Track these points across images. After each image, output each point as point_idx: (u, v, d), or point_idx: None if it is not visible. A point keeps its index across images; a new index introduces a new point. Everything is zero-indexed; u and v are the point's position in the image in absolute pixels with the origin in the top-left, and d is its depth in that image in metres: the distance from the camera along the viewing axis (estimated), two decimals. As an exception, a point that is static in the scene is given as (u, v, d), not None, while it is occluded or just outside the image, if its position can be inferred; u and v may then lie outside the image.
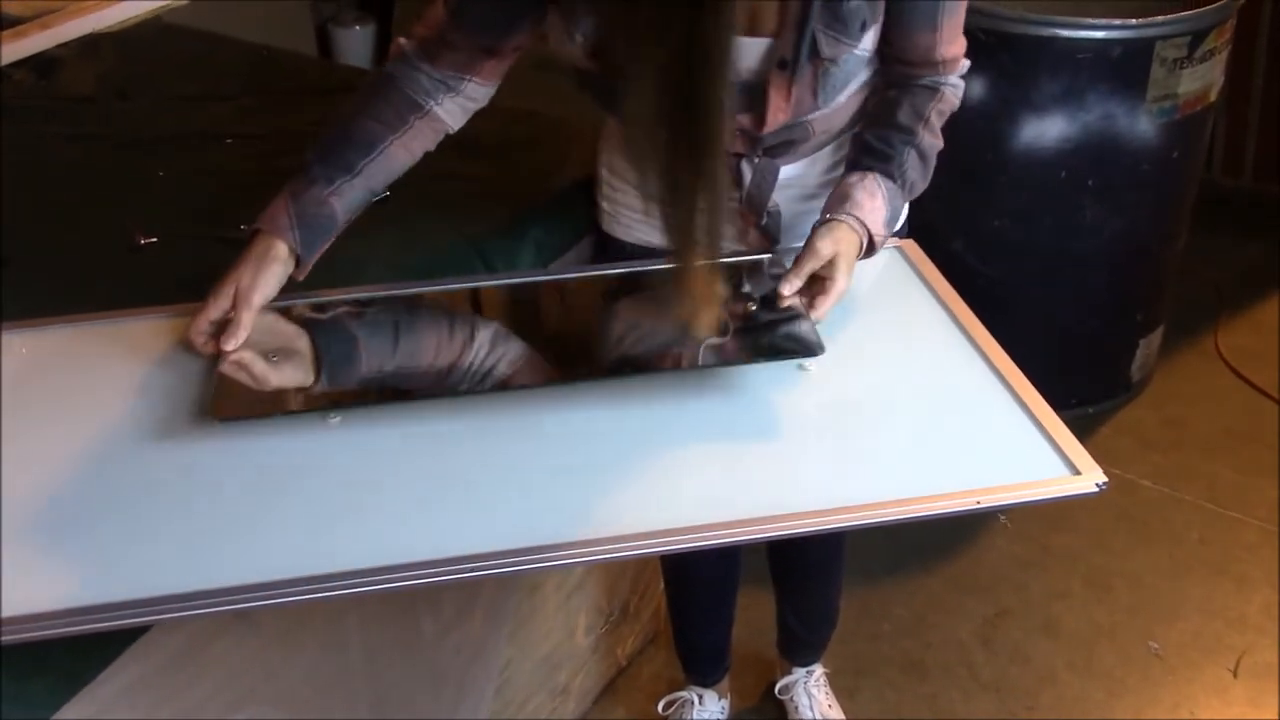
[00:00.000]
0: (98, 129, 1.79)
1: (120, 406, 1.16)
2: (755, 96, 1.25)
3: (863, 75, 1.30)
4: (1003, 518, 2.37)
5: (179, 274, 1.40)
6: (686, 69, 0.97)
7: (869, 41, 1.24)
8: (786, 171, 1.37)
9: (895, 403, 1.16)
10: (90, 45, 2.07)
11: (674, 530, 1.01)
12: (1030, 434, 1.13)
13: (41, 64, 1.99)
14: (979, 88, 2.28)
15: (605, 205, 1.47)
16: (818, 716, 1.93)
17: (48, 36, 2.03)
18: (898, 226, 1.30)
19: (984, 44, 2.22)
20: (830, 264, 1.22)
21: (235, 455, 1.09)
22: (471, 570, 0.98)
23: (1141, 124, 2.29)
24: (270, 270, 1.19)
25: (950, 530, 2.34)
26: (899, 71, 1.30)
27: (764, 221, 1.38)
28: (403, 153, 1.27)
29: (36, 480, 1.06)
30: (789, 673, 1.96)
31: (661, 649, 2.10)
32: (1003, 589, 2.23)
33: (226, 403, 1.12)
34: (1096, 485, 1.07)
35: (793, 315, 1.22)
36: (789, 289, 1.22)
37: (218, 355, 1.17)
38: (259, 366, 1.16)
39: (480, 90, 1.30)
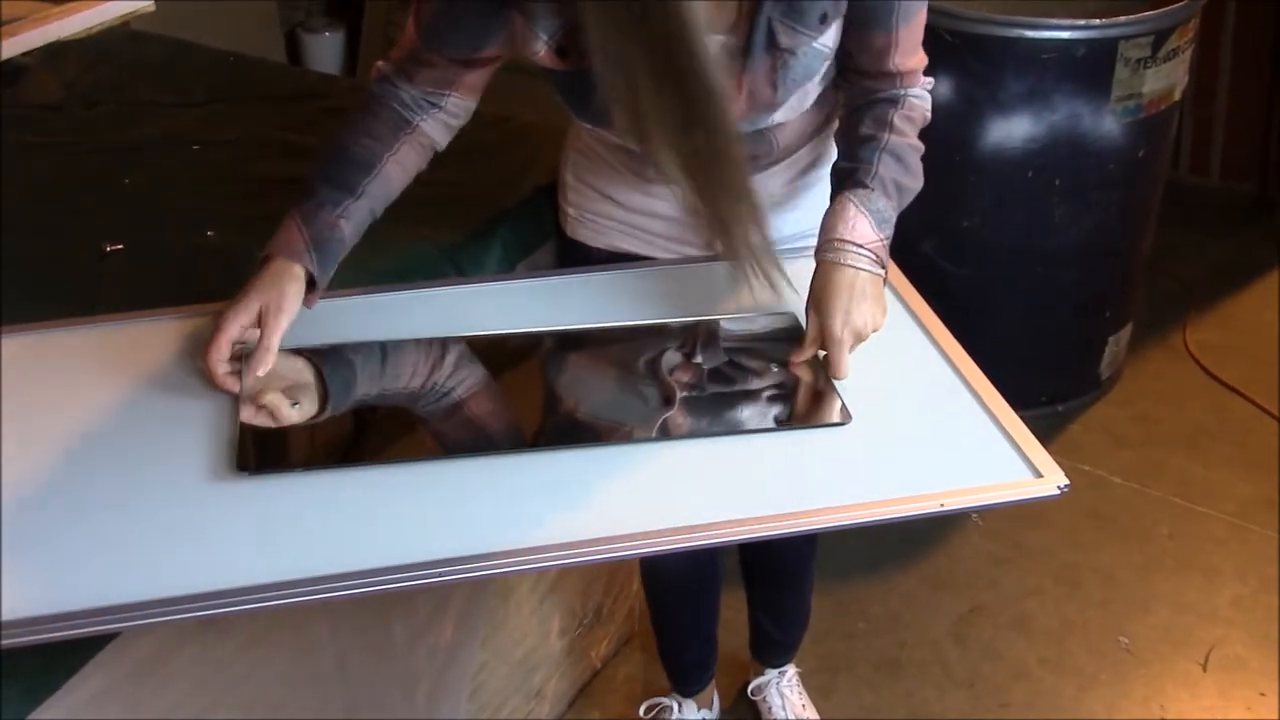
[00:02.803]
0: (64, 137, 1.79)
1: (86, 412, 1.15)
2: None
3: (823, 75, 1.27)
4: (975, 516, 2.38)
5: (146, 281, 1.40)
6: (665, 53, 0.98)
7: (831, 37, 1.22)
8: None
9: (861, 406, 1.17)
10: (56, 53, 2.05)
11: (643, 535, 1.02)
12: (994, 437, 1.14)
13: (7, 72, 1.98)
14: (946, 89, 2.30)
15: (570, 210, 1.47)
16: (791, 717, 1.93)
17: (13, 44, 2.02)
18: (890, 227, 1.25)
19: (949, 45, 2.24)
20: (823, 315, 1.19)
21: (200, 457, 1.09)
22: (442, 575, 0.98)
23: (1107, 123, 2.31)
24: (290, 292, 1.18)
25: (923, 529, 2.35)
26: (859, 87, 1.29)
27: None
28: (397, 170, 1.27)
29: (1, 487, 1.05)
30: (761, 674, 1.96)
31: (636, 651, 2.10)
32: (975, 586, 2.25)
33: (249, 452, 1.09)
34: (1058, 488, 1.08)
35: (815, 378, 1.21)
36: (798, 358, 1.22)
37: (226, 389, 1.15)
38: (285, 411, 1.15)
39: (461, 104, 1.30)
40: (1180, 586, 2.24)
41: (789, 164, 1.39)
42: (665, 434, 1.14)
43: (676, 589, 1.80)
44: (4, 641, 0.91)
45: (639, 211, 1.42)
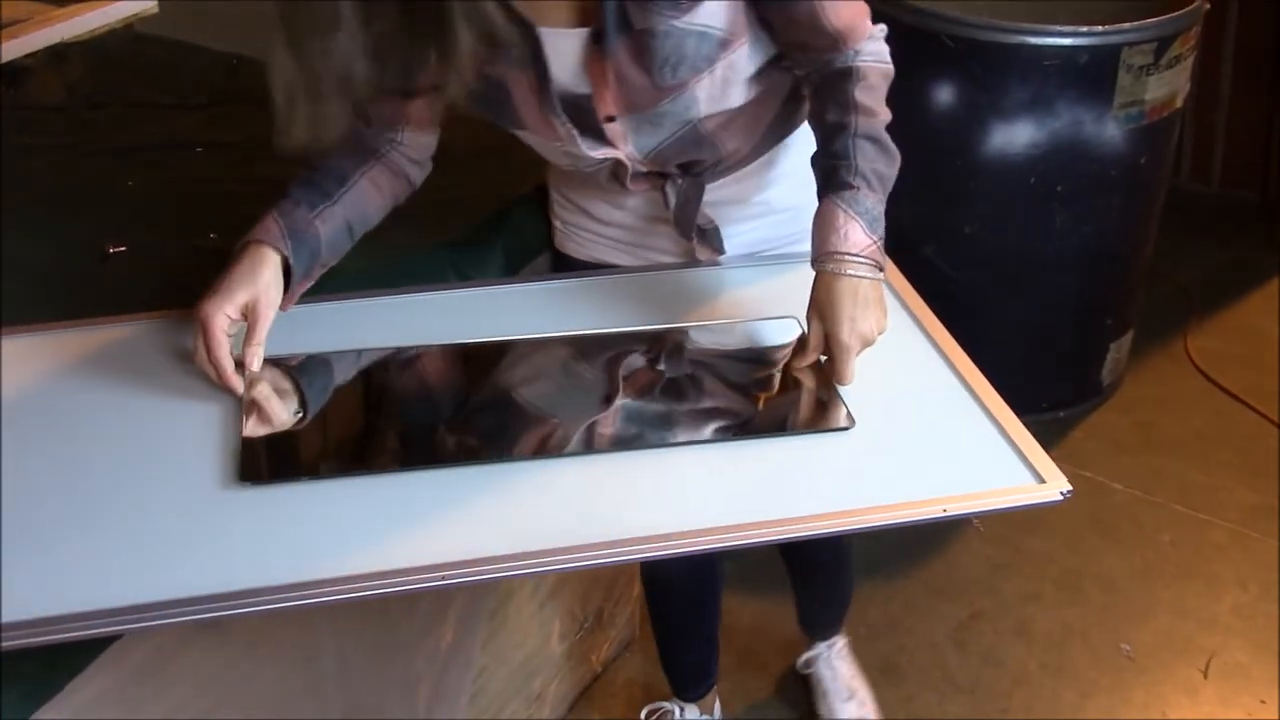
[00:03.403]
0: (67, 138, 1.78)
1: (87, 414, 1.15)
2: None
3: (731, 62, 1.21)
4: (975, 522, 2.38)
5: (148, 283, 1.40)
6: None
7: (714, 18, 1.17)
8: (718, 190, 1.36)
9: (863, 411, 1.17)
10: (59, 54, 2.05)
11: (644, 540, 1.02)
12: (996, 443, 1.14)
13: (10, 73, 1.98)
14: (948, 95, 2.30)
15: (556, 224, 1.50)
16: (842, 687, 1.94)
17: (16, 45, 2.02)
18: (881, 224, 1.22)
19: (952, 51, 2.24)
20: (829, 323, 1.18)
21: (201, 462, 1.09)
22: (444, 579, 0.98)
23: (1109, 130, 2.31)
24: (270, 280, 1.19)
25: (924, 534, 2.35)
26: (805, 61, 1.25)
27: (694, 239, 1.38)
28: (372, 188, 1.28)
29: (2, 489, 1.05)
30: (810, 647, 1.97)
31: (636, 655, 2.10)
32: (976, 592, 2.25)
33: (252, 463, 1.09)
34: (1061, 494, 1.08)
35: (818, 383, 1.21)
36: (800, 363, 1.22)
37: (232, 385, 1.16)
38: (281, 408, 1.16)
39: (417, 139, 1.31)
40: (1181, 593, 2.24)
41: (753, 171, 1.38)
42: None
43: (677, 593, 1.80)
44: (4, 644, 0.91)
45: (610, 223, 1.44)
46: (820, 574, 1.87)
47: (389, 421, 1.18)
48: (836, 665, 1.96)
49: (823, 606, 1.93)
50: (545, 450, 1.12)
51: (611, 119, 1.23)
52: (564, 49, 1.18)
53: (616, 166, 1.30)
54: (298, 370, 1.22)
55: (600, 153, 1.27)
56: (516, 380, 1.23)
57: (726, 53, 1.21)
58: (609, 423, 1.16)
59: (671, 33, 1.16)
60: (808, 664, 1.98)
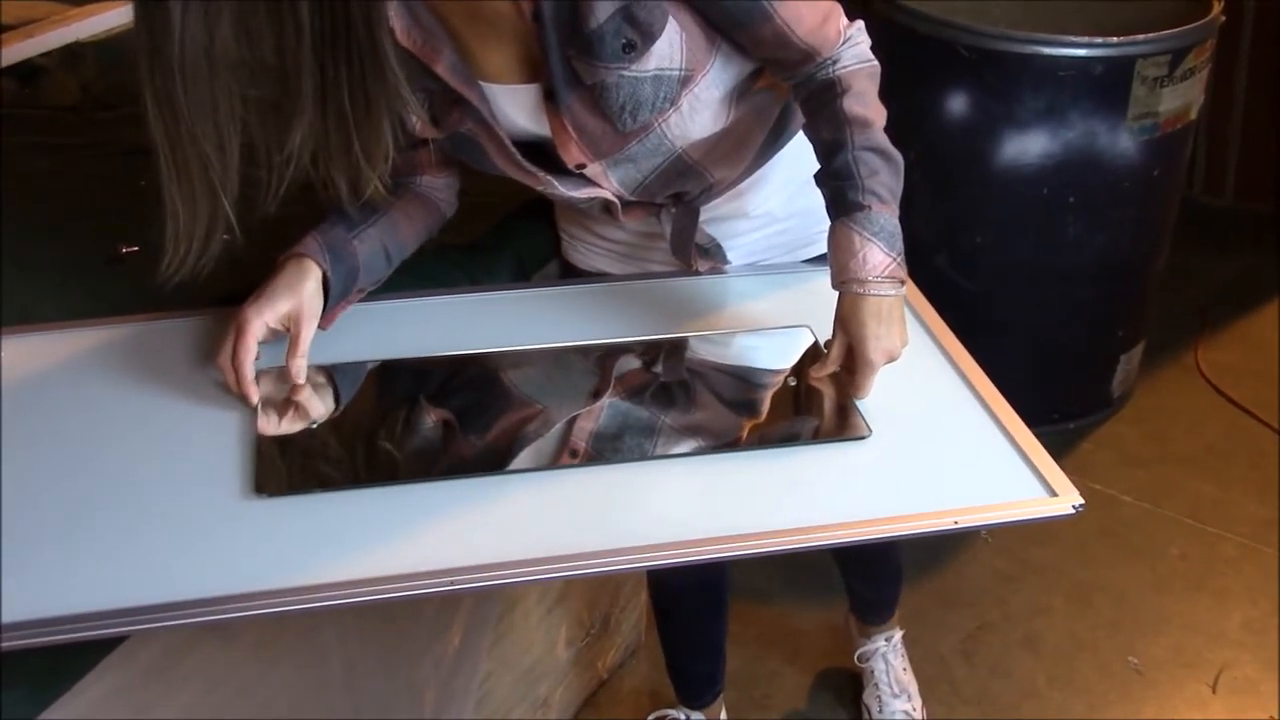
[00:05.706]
0: (80, 138, 1.79)
1: (98, 414, 1.15)
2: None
3: (696, 94, 1.18)
4: (984, 533, 2.37)
5: (160, 284, 1.40)
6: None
7: (667, 60, 1.14)
8: (717, 207, 1.36)
9: (875, 422, 1.16)
10: (74, 54, 2.06)
11: (651, 548, 1.01)
12: (1008, 455, 1.14)
13: (24, 73, 1.98)
14: (962, 104, 2.29)
15: (562, 235, 1.50)
16: (894, 681, 1.95)
17: (31, 45, 2.02)
18: (899, 238, 1.19)
19: (966, 60, 2.23)
20: (855, 341, 1.17)
21: (212, 467, 1.09)
22: (451, 584, 0.97)
23: (1123, 142, 2.31)
24: (312, 292, 1.18)
25: (932, 545, 2.34)
26: (784, 75, 1.22)
27: (694, 262, 1.37)
28: (403, 218, 1.28)
29: (9, 487, 1.05)
30: (868, 638, 1.97)
31: (643, 662, 2.10)
32: (984, 603, 2.24)
33: (267, 474, 1.08)
34: (1073, 508, 1.08)
35: (836, 393, 1.21)
36: (818, 373, 1.22)
37: (247, 394, 1.15)
38: (315, 410, 1.16)
39: (437, 182, 1.31)
40: (1191, 607, 2.23)
41: (750, 185, 1.37)
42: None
43: (684, 600, 1.80)
44: (8, 643, 0.91)
45: (612, 239, 1.44)
46: (868, 551, 1.83)
47: (397, 431, 1.18)
48: (891, 660, 1.96)
49: (876, 586, 1.92)
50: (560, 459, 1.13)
51: (582, 165, 1.22)
52: (521, 102, 1.18)
53: (606, 202, 1.29)
54: (311, 378, 1.21)
55: (584, 192, 1.26)
56: (530, 389, 1.23)
57: (689, 87, 1.17)
58: (619, 431, 1.16)
59: (623, 83, 1.13)
60: (864, 657, 1.98)
